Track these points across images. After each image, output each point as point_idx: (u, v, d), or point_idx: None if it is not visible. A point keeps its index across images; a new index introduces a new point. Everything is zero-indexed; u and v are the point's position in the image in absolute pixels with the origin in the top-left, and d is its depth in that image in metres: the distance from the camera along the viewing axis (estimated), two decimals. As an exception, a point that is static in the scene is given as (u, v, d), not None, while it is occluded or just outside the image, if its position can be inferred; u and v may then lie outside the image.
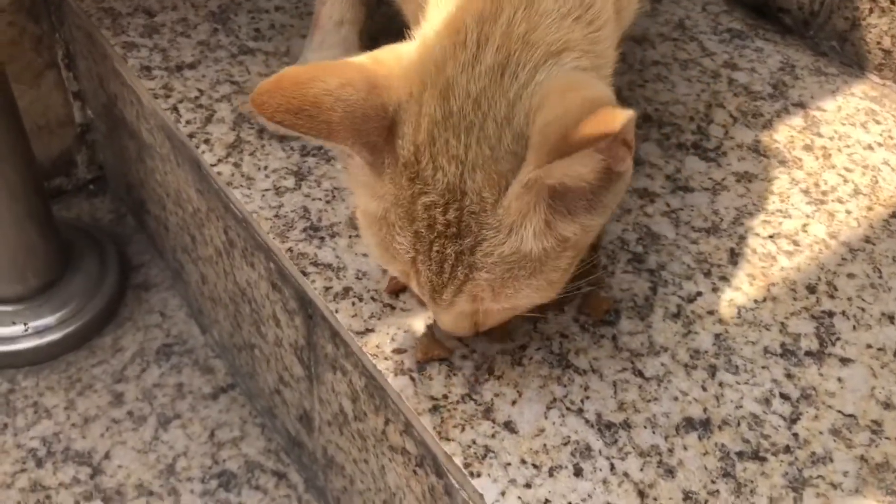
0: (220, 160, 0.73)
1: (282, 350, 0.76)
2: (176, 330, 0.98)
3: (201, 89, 0.80)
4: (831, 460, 0.55)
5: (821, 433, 0.57)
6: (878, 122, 0.80)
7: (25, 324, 0.93)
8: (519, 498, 0.52)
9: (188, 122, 0.76)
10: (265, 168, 0.72)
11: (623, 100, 0.80)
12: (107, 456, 0.87)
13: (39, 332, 0.94)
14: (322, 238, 0.67)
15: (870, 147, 0.78)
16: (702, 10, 0.93)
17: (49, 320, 0.94)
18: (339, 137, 0.48)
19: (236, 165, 0.72)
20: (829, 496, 0.53)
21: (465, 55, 0.49)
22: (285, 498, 0.84)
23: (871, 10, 0.84)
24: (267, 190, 0.70)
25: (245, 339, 0.85)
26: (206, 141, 0.74)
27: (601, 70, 0.53)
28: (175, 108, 0.78)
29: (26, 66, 0.99)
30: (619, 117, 0.43)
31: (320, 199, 0.70)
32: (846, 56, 0.88)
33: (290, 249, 0.66)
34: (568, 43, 0.50)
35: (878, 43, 0.85)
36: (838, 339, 0.62)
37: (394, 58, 0.51)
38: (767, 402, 0.58)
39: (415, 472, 0.61)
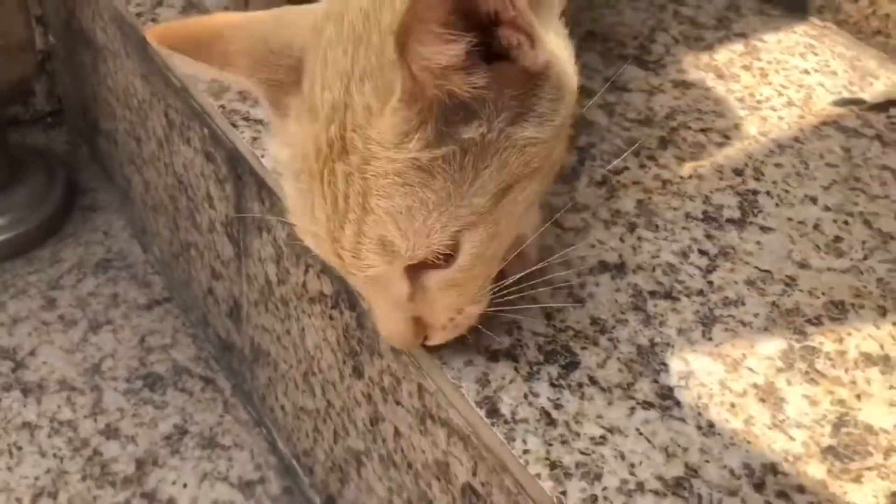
0: (164, 34, 0.73)
1: (214, 235, 0.76)
2: (117, 247, 0.97)
3: None
4: (743, 304, 0.55)
5: (735, 282, 0.57)
6: (815, 54, 0.82)
7: (-36, 227, 0.93)
8: (425, 312, 0.51)
9: (138, 5, 0.77)
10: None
11: (567, 20, 0.83)
12: (32, 353, 0.85)
13: (-23, 237, 0.93)
14: (256, 99, 0.67)
15: (806, 72, 0.80)
16: (653, -42, 0.97)
17: (-12, 226, 0.94)
18: (238, 68, 0.45)
19: (180, 39, 0.73)
20: (738, 331, 0.53)
21: None
22: (211, 401, 0.82)
23: (812, -46, 0.87)
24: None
25: (181, 240, 0.85)
26: (154, 20, 0.75)
27: None
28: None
29: (-11, -17, 1.01)
30: None
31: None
32: (790, 1, 0.90)
33: (222, 106, 0.66)
34: None
35: (819, -15, 0.87)
36: (760, 211, 0.63)
37: (308, 6, 0.48)
38: (685, 255, 0.58)
39: (331, 317, 0.60)
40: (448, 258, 0.44)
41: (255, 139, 0.63)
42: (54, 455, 0.77)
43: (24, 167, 1.00)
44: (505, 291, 0.48)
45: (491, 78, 0.41)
